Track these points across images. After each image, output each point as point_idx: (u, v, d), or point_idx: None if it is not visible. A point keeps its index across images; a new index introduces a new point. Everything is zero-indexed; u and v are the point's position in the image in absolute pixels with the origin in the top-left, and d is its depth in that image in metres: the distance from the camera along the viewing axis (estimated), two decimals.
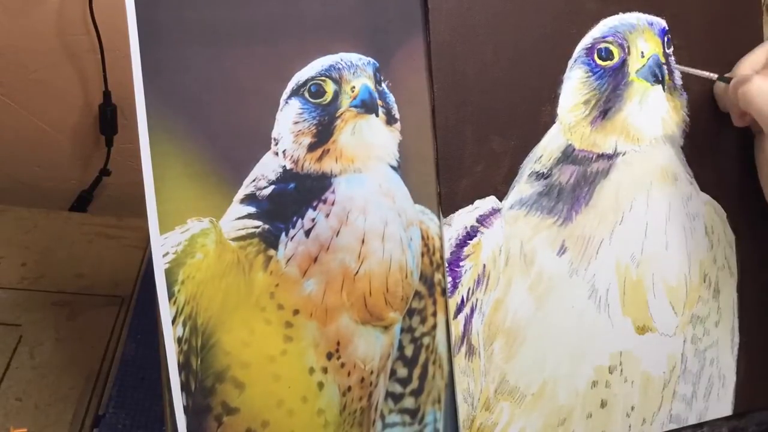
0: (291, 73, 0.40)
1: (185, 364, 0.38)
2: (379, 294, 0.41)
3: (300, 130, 0.40)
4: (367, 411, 0.41)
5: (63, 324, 0.61)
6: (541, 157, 0.44)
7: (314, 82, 0.40)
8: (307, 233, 0.39)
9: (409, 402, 0.42)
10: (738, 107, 0.44)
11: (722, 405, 0.48)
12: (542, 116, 0.44)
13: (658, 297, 0.46)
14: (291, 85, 0.39)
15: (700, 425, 0.48)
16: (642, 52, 0.45)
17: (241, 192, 0.39)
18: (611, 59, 0.45)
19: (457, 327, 0.42)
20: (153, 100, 0.37)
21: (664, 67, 0.46)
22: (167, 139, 0.38)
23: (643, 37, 0.45)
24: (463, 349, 0.42)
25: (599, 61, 0.44)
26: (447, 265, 0.42)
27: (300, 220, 0.39)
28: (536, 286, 0.44)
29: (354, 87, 0.40)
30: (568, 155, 0.44)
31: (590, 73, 0.44)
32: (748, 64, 0.44)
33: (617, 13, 0.45)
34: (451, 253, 0.42)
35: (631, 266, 0.45)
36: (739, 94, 0.42)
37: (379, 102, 0.41)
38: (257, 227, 0.39)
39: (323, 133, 0.40)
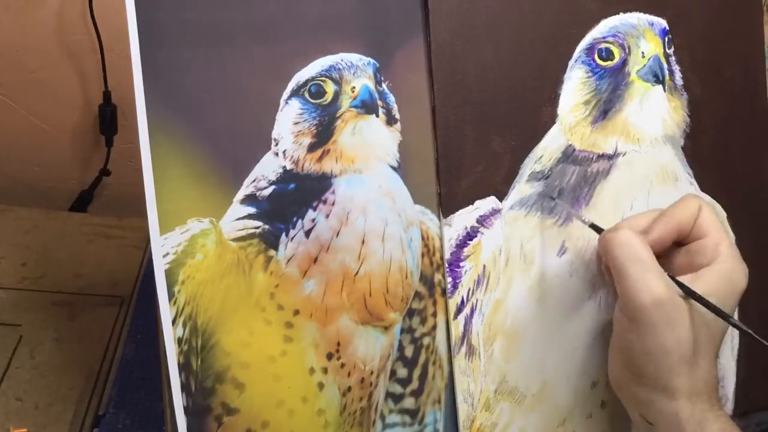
0: (291, 73, 0.40)
1: (185, 364, 0.38)
2: (379, 294, 0.41)
3: (300, 131, 0.40)
4: (367, 411, 0.41)
5: (63, 324, 0.61)
6: (541, 157, 0.44)
7: (314, 82, 0.40)
8: (307, 234, 0.39)
9: (409, 402, 0.42)
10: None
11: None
12: (542, 116, 0.44)
13: None
14: (291, 85, 0.39)
15: None
16: (642, 53, 0.45)
17: (242, 192, 0.39)
18: (612, 59, 0.45)
19: (457, 327, 0.42)
20: (153, 101, 0.37)
21: (665, 67, 0.46)
22: (167, 139, 0.38)
23: (643, 37, 0.45)
24: (463, 349, 0.42)
25: (600, 61, 0.44)
26: (447, 265, 0.42)
27: (300, 221, 0.39)
28: (536, 287, 0.44)
29: (354, 87, 0.40)
30: (568, 155, 0.44)
31: (591, 74, 0.44)
32: (626, 224, 0.40)
33: (618, 13, 0.45)
34: (451, 254, 0.42)
35: None
36: (600, 241, 0.39)
37: (380, 102, 0.41)
38: (257, 227, 0.39)
39: (323, 134, 0.40)
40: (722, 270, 0.38)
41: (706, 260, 0.39)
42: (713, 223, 0.39)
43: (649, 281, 0.36)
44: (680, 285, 0.37)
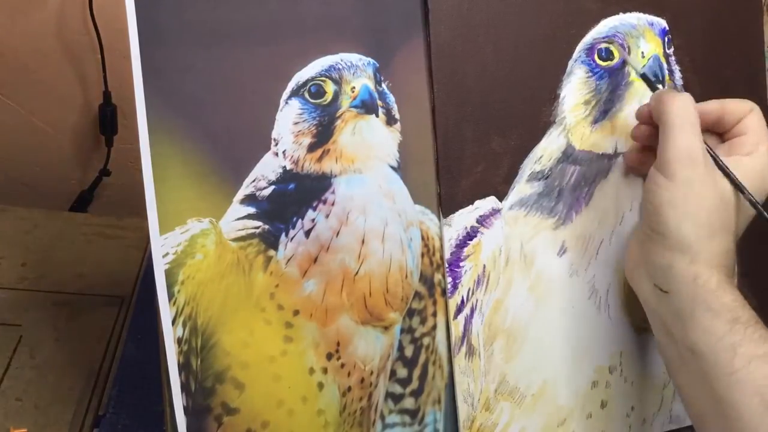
0: (291, 73, 0.40)
1: (185, 364, 0.38)
2: (379, 294, 0.41)
3: (300, 131, 0.40)
4: (367, 411, 0.41)
5: (63, 324, 0.61)
6: (541, 157, 0.44)
7: (314, 82, 0.40)
8: (307, 234, 0.39)
9: (409, 402, 0.42)
10: (645, 128, 0.42)
11: None
12: (542, 116, 0.44)
13: None
14: (291, 85, 0.39)
15: None
16: (642, 53, 0.45)
17: (241, 192, 0.39)
18: (611, 59, 0.45)
19: (457, 327, 0.42)
20: (153, 101, 0.37)
21: (665, 67, 0.46)
22: (167, 139, 0.38)
23: (643, 37, 0.45)
24: (463, 349, 0.42)
25: (599, 62, 0.44)
26: (447, 265, 0.42)
27: (300, 221, 0.39)
28: (536, 287, 0.44)
29: (354, 87, 0.40)
30: (568, 155, 0.44)
31: (590, 74, 0.44)
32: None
33: (617, 14, 0.45)
34: (451, 254, 0.42)
35: None
36: (659, 96, 0.39)
37: (379, 102, 0.41)
38: (257, 228, 0.39)
39: (323, 134, 0.40)
40: (757, 164, 0.39)
41: (744, 153, 0.39)
42: (760, 125, 0.40)
43: (695, 143, 0.37)
44: (715, 159, 0.38)
